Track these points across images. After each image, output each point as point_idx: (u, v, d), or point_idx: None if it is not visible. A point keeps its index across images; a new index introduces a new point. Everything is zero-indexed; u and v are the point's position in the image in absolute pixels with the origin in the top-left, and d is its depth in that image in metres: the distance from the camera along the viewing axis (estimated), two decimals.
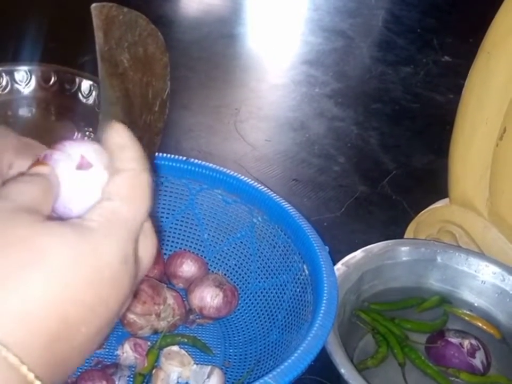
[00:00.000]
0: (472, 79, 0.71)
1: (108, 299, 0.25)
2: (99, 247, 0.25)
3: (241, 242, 0.70)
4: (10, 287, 0.22)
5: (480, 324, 0.68)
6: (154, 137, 0.44)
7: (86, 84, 0.96)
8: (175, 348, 0.61)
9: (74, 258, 0.24)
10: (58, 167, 0.29)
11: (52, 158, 0.29)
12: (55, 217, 0.28)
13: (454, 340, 0.63)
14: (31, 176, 0.28)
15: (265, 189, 0.67)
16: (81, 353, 0.25)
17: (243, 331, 0.67)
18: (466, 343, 0.63)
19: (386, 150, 1.13)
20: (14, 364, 0.21)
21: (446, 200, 0.78)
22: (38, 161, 0.29)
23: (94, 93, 0.95)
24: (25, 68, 0.94)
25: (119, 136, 0.30)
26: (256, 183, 0.67)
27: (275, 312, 0.65)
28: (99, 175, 0.29)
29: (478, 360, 0.62)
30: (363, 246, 0.68)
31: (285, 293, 0.65)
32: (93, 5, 0.33)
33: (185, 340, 0.63)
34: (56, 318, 0.23)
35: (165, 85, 0.42)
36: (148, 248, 0.29)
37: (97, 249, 0.25)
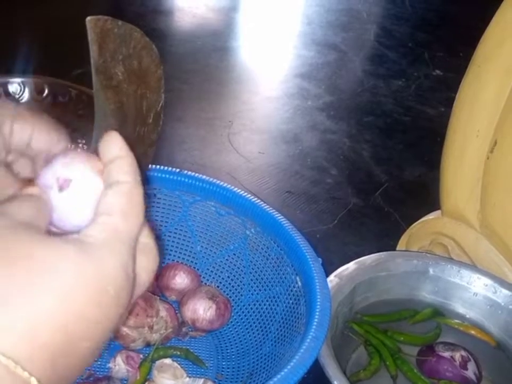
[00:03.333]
0: (463, 92, 0.72)
1: (110, 314, 0.25)
2: (103, 263, 0.25)
3: (234, 254, 0.70)
4: (17, 303, 0.22)
5: (473, 333, 0.68)
6: (148, 149, 0.44)
7: (79, 96, 0.96)
8: (167, 361, 0.61)
9: (79, 275, 0.24)
10: (46, 185, 0.29)
11: (41, 176, 0.30)
12: (54, 232, 0.29)
13: (445, 354, 0.63)
14: (24, 196, 0.28)
15: (259, 200, 0.67)
16: (82, 367, 0.25)
17: (236, 343, 0.67)
18: (457, 355, 0.63)
19: (379, 163, 1.14)
20: (23, 377, 0.22)
21: (437, 212, 0.79)
22: (28, 182, 0.30)
23: (87, 105, 0.95)
24: (18, 80, 0.94)
25: (115, 146, 0.30)
26: (249, 195, 0.67)
27: (268, 324, 0.65)
28: (91, 184, 0.30)
29: (471, 372, 0.62)
30: (356, 258, 0.68)
31: (278, 305, 0.65)
32: (88, 18, 0.33)
33: (178, 353, 0.63)
34: (61, 333, 0.23)
35: (159, 97, 0.42)
36: (147, 264, 0.29)
37: (102, 266, 0.25)
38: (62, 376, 0.24)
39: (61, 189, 0.29)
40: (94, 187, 0.30)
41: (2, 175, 0.31)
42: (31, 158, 0.33)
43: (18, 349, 0.22)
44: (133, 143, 0.42)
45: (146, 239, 0.29)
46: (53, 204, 0.29)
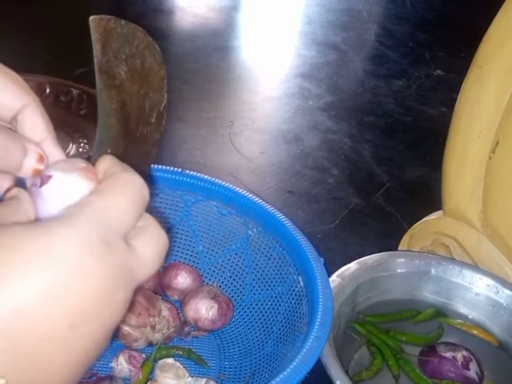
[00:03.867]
0: (465, 92, 0.72)
1: (71, 286, 0.23)
2: (56, 236, 0.23)
3: (236, 254, 0.70)
4: None
5: (476, 332, 0.68)
6: (151, 149, 0.44)
7: (81, 96, 0.96)
8: (170, 360, 0.61)
9: (31, 251, 0.22)
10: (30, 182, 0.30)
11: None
12: None
13: (447, 354, 0.63)
14: (7, 199, 0.28)
15: (260, 200, 0.67)
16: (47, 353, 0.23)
17: (238, 343, 0.67)
18: (459, 356, 0.63)
19: (380, 163, 1.14)
20: None
21: (439, 213, 0.79)
22: (9, 188, 0.31)
23: (89, 105, 0.95)
24: None
25: (107, 161, 0.30)
26: (251, 195, 0.67)
27: (270, 324, 0.65)
28: (72, 181, 0.29)
29: (473, 372, 0.62)
30: (357, 258, 0.68)
31: (280, 305, 0.65)
32: (91, 17, 0.33)
33: (180, 352, 0.63)
34: (17, 318, 0.22)
35: (162, 97, 0.42)
36: (148, 241, 0.27)
37: (54, 239, 0.23)
38: (26, 368, 0.22)
39: (41, 184, 0.29)
40: (76, 185, 0.29)
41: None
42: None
43: None
44: (136, 142, 0.42)
45: (146, 222, 0.28)
46: (34, 200, 0.29)
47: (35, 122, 0.32)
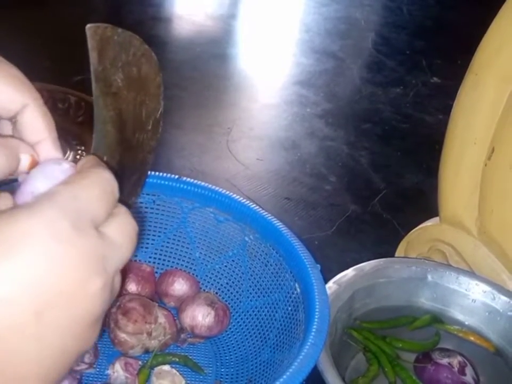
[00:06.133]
0: (461, 99, 0.73)
1: (40, 272, 0.23)
2: (20, 220, 0.23)
3: (233, 261, 0.70)
4: None
5: (472, 339, 0.68)
6: (147, 155, 0.45)
7: (78, 103, 0.96)
8: (166, 367, 0.61)
9: None
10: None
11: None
12: None
13: (443, 361, 0.63)
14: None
15: (257, 207, 0.67)
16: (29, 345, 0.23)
17: (235, 350, 0.66)
18: (455, 362, 0.63)
19: (377, 170, 1.14)
20: None
21: (436, 219, 0.79)
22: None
23: (86, 112, 0.95)
24: None
25: (85, 159, 0.30)
26: (248, 202, 0.67)
27: (267, 331, 0.65)
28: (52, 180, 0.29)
29: (469, 377, 0.62)
30: (354, 265, 0.68)
31: (276, 312, 0.65)
32: (88, 25, 0.33)
33: (177, 359, 0.63)
34: None
35: (158, 105, 0.42)
36: (118, 228, 0.27)
37: (17, 223, 0.23)
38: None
39: (22, 182, 0.30)
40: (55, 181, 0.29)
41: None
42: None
43: None
44: (132, 149, 0.42)
45: (116, 211, 0.28)
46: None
47: (34, 123, 0.33)
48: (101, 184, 0.27)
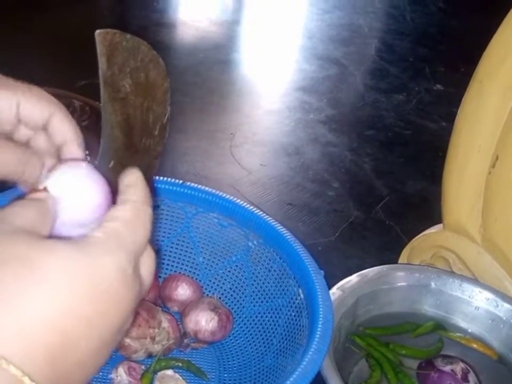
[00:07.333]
0: (465, 107, 0.73)
1: (106, 312, 0.25)
2: (96, 261, 0.25)
3: (237, 266, 0.70)
4: (8, 302, 0.23)
5: (475, 346, 0.68)
6: (154, 161, 0.45)
7: (83, 107, 0.97)
8: (169, 372, 0.61)
9: (70, 271, 0.24)
10: (54, 189, 0.30)
11: (48, 181, 0.31)
12: (57, 236, 0.29)
13: (446, 368, 0.63)
14: (27, 200, 0.29)
15: (261, 212, 0.67)
16: (84, 370, 0.25)
17: (238, 355, 0.66)
18: (458, 368, 0.63)
19: (380, 176, 1.14)
20: (16, 376, 0.22)
21: (439, 226, 0.79)
22: (34, 189, 0.30)
23: (91, 116, 0.95)
24: None
25: (133, 176, 0.32)
26: (251, 207, 0.68)
27: (270, 336, 0.65)
28: (95, 193, 0.31)
29: (472, 383, 0.62)
30: (357, 271, 0.68)
31: (280, 317, 0.65)
32: (97, 31, 0.34)
33: (180, 364, 0.63)
34: (55, 331, 0.23)
35: (165, 110, 0.43)
36: (147, 267, 0.30)
37: (94, 263, 0.25)
38: (60, 377, 0.24)
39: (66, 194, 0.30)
40: (98, 197, 0.31)
41: (21, 152, 0.35)
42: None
43: (11, 348, 0.22)
44: (139, 155, 0.42)
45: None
46: (57, 209, 0.30)
47: (61, 128, 0.37)
48: (148, 224, 0.30)
